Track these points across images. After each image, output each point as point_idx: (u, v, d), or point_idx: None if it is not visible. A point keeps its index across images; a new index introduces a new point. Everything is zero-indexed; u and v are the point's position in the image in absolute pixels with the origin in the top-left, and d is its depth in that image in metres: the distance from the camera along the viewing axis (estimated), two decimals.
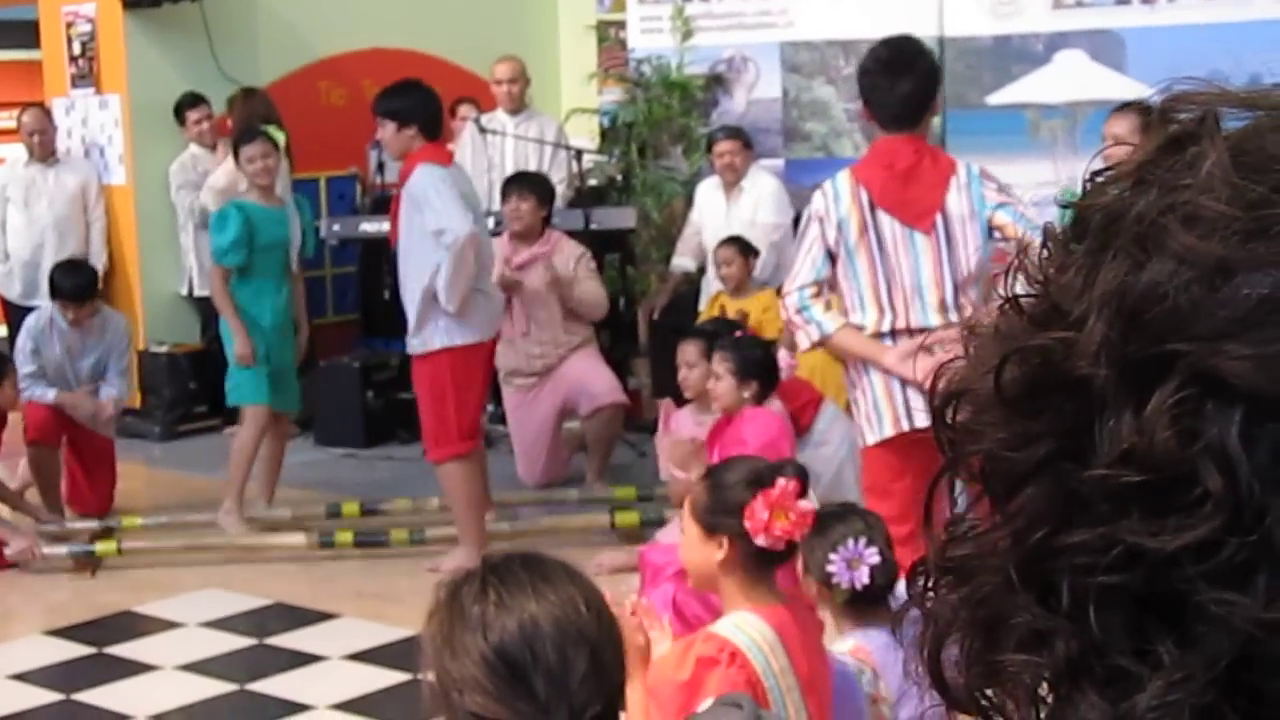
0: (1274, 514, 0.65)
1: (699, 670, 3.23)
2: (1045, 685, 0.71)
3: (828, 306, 5.24)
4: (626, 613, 3.33)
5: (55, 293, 8.16)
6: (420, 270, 6.89)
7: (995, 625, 0.72)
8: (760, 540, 3.33)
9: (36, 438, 8.03)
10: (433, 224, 6.80)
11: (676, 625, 4.42)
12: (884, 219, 5.18)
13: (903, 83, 5.22)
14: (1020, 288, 0.75)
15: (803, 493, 3.38)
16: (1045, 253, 0.74)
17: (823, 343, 5.25)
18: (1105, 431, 0.68)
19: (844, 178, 5.28)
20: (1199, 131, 0.71)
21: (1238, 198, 0.67)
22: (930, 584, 0.76)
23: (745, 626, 3.34)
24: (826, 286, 5.24)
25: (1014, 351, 0.72)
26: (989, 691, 0.74)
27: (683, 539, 3.60)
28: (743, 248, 8.57)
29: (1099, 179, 0.75)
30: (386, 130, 7.05)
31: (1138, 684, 0.67)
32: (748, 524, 3.33)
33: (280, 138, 9.30)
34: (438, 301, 6.90)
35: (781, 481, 3.36)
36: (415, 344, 7.07)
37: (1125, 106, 6.61)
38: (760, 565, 3.41)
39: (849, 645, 3.83)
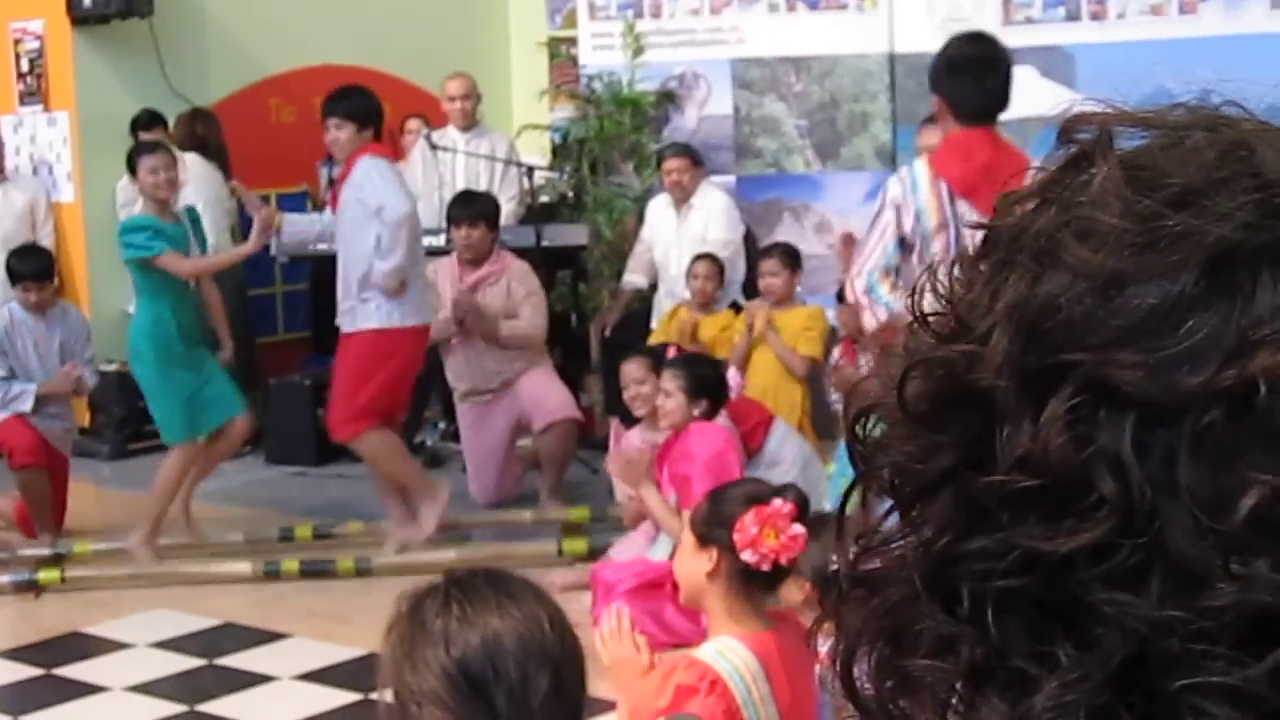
0: (1165, 517, 0.67)
1: (678, 698, 3.22)
2: (955, 695, 0.72)
3: (893, 288, 5.31)
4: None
5: (15, 278, 8.13)
6: (357, 252, 7.24)
7: (903, 633, 0.73)
8: (746, 555, 3.32)
9: (28, 462, 7.90)
10: (373, 202, 7.17)
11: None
12: (963, 209, 5.27)
13: (991, 79, 5.41)
14: (929, 307, 0.76)
15: (799, 518, 3.38)
16: (955, 272, 0.76)
17: (890, 322, 5.32)
18: (1004, 440, 0.69)
19: (921, 167, 5.41)
20: (1096, 150, 0.73)
21: (1129, 212, 0.69)
22: (843, 595, 0.77)
23: (728, 653, 3.32)
24: (895, 273, 5.32)
25: (917, 364, 0.73)
26: (900, 702, 0.75)
27: (679, 549, 3.61)
28: (718, 265, 8.59)
29: (1006, 200, 0.76)
30: (345, 131, 7.30)
31: (1036, 686, 0.68)
32: (736, 536, 3.32)
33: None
34: (372, 283, 7.25)
35: (778, 502, 3.37)
36: (346, 321, 7.38)
37: (933, 119, 6.60)
38: (745, 583, 3.40)
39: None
